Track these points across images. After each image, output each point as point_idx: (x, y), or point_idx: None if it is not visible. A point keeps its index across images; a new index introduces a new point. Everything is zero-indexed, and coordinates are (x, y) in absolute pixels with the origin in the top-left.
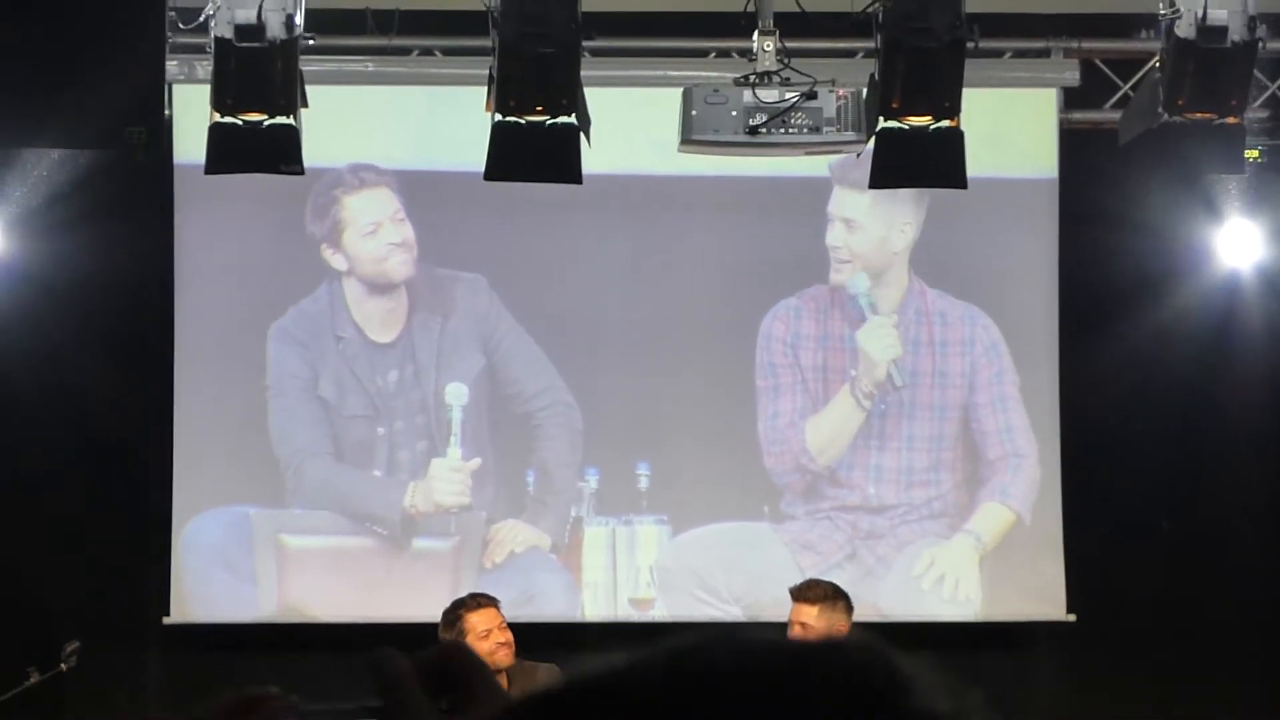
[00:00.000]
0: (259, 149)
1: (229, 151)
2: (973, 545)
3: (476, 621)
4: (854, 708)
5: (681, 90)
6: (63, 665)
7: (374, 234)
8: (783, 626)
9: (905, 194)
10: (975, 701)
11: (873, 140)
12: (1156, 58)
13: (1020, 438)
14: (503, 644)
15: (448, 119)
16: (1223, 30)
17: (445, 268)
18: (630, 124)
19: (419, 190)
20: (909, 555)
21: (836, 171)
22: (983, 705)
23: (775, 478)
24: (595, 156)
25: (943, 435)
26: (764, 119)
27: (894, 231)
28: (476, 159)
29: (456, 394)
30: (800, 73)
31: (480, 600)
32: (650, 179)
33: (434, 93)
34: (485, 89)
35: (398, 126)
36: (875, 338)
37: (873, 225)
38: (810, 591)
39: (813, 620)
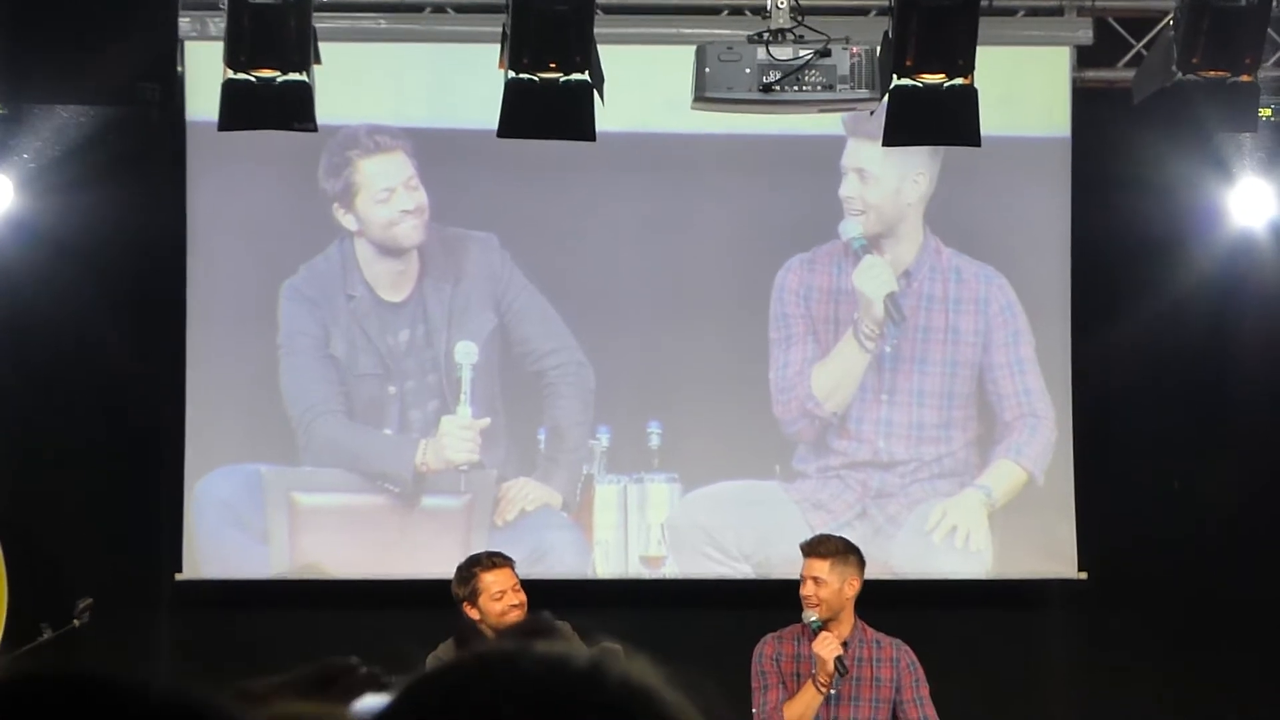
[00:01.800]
0: (272, 106)
1: (242, 108)
2: (982, 500)
3: (491, 581)
4: None
5: (695, 47)
6: (75, 622)
7: (387, 201)
8: (793, 584)
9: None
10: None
11: (886, 98)
12: (1170, 16)
13: (1038, 400)
14: (515, 606)
15: (460, 76)
16: None
17: (457, 226)
18: (643, 81)
19: (431, 149)
20: (920, 514)
21: (850, 124)
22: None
23: (784, 426)
24: (608, 114)
25: (953, 393)
26: (778, 76)
27: (906, 183)
28: (489, 117)
29: (466, 352)
30: (814, 30)
31: (496, 560)
32: (663, 137)
33: (446, 50)
34: (498, 46)
35: (410, 84)
36: (869, 276)
37: (886, 176)
38: (822, 546)
39: (825, 575)
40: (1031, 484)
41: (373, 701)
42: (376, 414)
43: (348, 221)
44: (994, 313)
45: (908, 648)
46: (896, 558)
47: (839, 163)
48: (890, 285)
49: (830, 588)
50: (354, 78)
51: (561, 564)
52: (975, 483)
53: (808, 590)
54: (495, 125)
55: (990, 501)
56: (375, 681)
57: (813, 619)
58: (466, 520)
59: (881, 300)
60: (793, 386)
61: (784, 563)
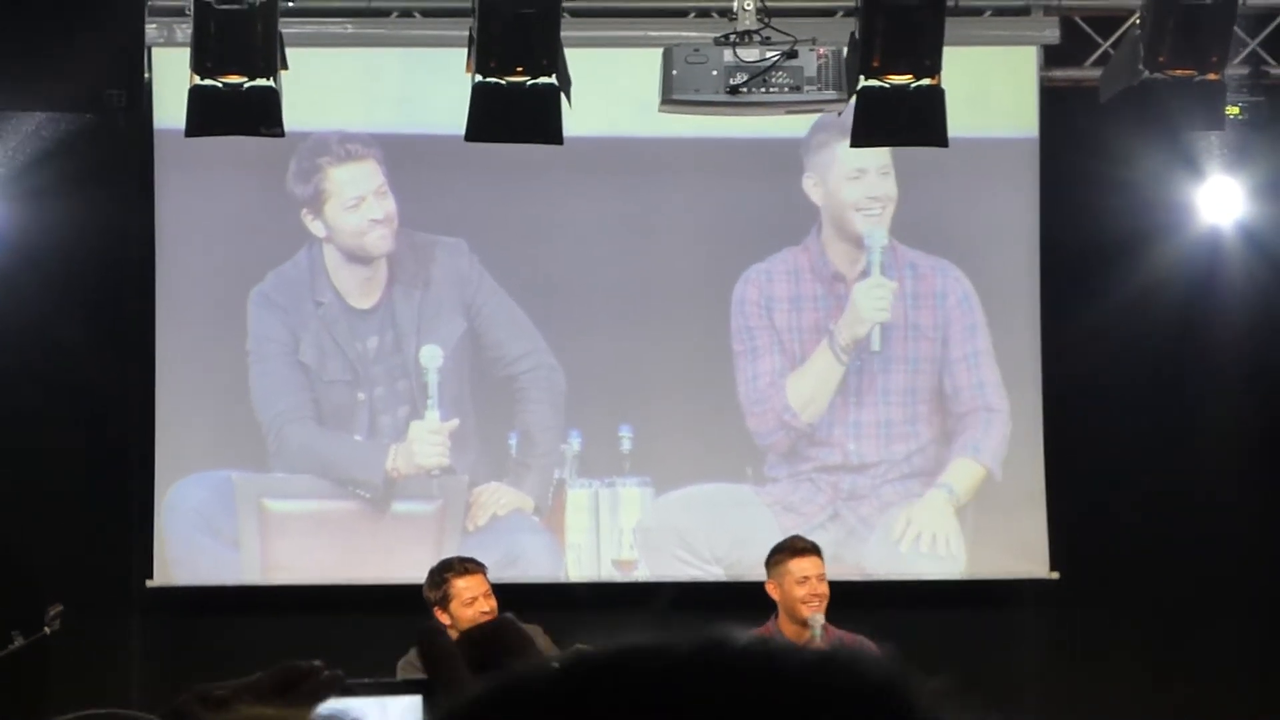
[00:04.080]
0: (239, 111)
1: (209, 114)
2: (946, 498)
3: (463, 588)
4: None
5: (662, 50)
6: (46, 629)
7: (356, 208)
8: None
9: None
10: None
11: (854, 99)
12: (1137, 14)
13: (992, 393)
14: (486, 612)
15: (428, 81)
16: None
17: (426, 232)
18: (611, 84)
19: (400, 154)
20: (891, 516)
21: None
22: None
23: (758, 439)
24: (576, 118)
25: (916, 388)
26: (745, 78)
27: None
28: (457, 121)
29: (431, 356)
30: (781, 31)
31: (468, 566)
32: (631, 140)
33: (414, 54)
34: (465, 50)
35: (378, 89)
36: (872, 296)
37: (894, 164)
38: (811, 544)
39: (823, 570)
40: (990, 479)
41: (336, 705)
42: (346, 420)
43: (316, 228)
44: (951, 305)
45: (871, 645)
46: (869, 559)
47: (858, 164)
48: (884, 315)
49: (825, 584)
50: (323, 83)
51: (534, 568)
52: (937, 482)
53: (815, 589)
54: (462, 130)
55: (954, 499)
56: (338, 684)
57: (820, 620)
58: (438, 525)
59: (870, 325)
60: (766, 399)
61: (756, 565)
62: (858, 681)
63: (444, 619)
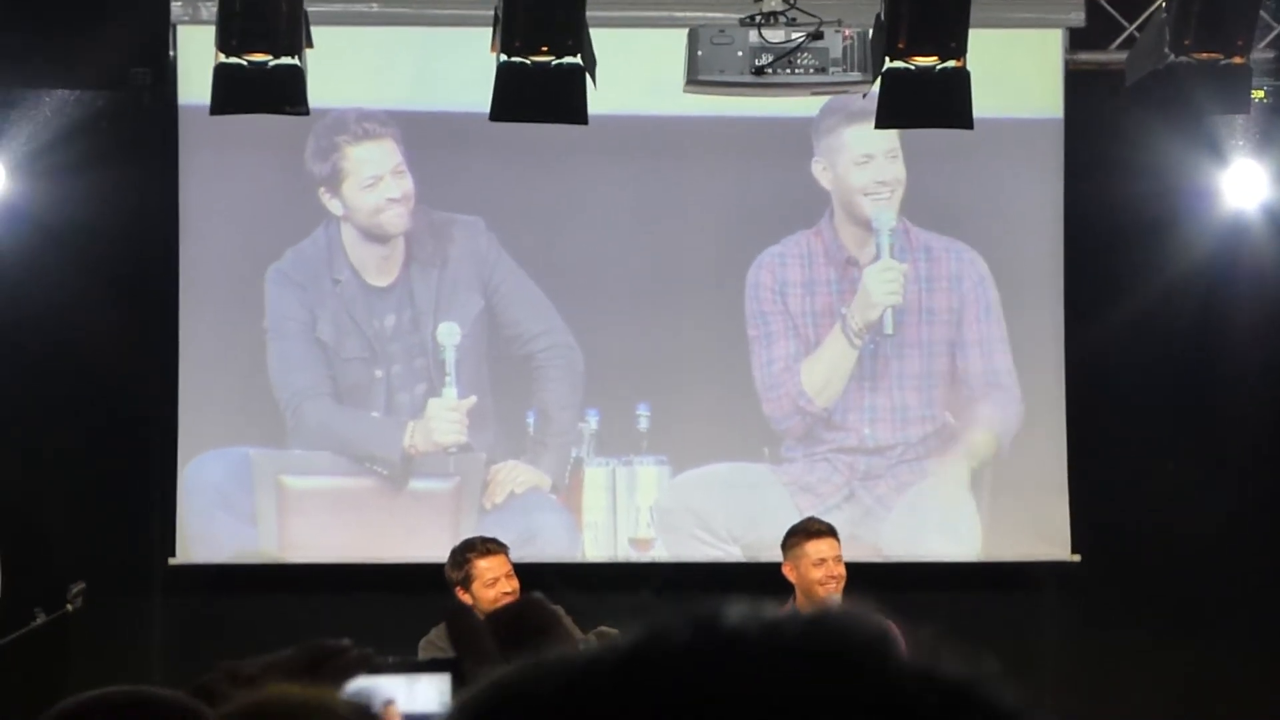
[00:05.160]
0: (264, 89)
1: (234, 92)
2: (963, 476)
3: (485, 568)
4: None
5: (687, 30)
6: (69, 606)
7: (373, 187)
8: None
9: None
10: (989, 669)
11: (879, 81)
12: None
13: (1004, 373)
14: (508, 593)
15: (448, 59)
16: None
17: (443, 210)
18: (635, 65)
19: (418, 132)
20: (909, 496)
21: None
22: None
23: (774, 424)
24: (599, 97)
25: (933, 372)
26: (770, 59)
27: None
28: (476, 100)
29: (449, 333)
30: (806, 13)
31: (490, 546)
32: (654, 120)
33: (435, 32)
34: (489, 29)
35: (398, 67)
36: (882, 280)
37: (903, 147)
38: (829, 525)
39: (839, 552)
40: (1002, 454)
41: (365, 683)
42: (364, 398)
43: (334, 206)
44: (967, 288)
45: (891, 625)
46: (886, 540)
47: (867, 149)
48: (896, 298)
49: (842, 564)
50: (342, 60)
51: (551, 546)
52: (954, 460)
53: (832, 571)
54: (482, 108)
55: (970, 474)
56: (366, 663)
57: (837, 601)
58: (455, 503)
59: (882, 309)
60: (781, 384)
61: (773, 545)
62: (847, 641)
63: (465, 599)
